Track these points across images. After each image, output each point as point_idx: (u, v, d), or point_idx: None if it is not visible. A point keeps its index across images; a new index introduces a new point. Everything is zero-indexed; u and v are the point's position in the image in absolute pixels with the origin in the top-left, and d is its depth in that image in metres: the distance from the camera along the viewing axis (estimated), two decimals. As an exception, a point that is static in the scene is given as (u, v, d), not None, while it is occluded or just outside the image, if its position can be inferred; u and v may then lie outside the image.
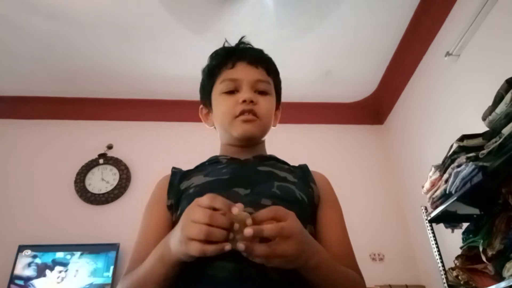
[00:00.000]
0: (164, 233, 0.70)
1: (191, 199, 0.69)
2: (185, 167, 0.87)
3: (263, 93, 0.85)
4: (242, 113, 0.80)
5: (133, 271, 0.66)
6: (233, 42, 0.94)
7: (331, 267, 0.63)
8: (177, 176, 0.82)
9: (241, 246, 0.51)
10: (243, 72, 0.84)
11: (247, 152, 0.85)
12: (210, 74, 0.89)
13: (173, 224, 0.74)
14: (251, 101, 0.80)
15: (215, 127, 0.92)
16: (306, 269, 0.58)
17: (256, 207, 0.58)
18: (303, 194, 0.75)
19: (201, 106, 0.95)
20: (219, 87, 0.85)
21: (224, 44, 0.93)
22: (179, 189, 0.77)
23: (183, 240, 0.53)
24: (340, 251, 0.72)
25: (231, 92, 0.83)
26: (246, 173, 0.78)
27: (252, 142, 0.85)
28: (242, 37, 0.94)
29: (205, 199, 0.54)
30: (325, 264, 0.61)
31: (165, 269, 0.59)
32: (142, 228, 0.78)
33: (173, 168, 0.87)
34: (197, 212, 0.52)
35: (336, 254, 0.69)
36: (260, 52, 0.90)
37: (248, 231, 0.50)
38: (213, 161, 0.86)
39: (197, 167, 0.86)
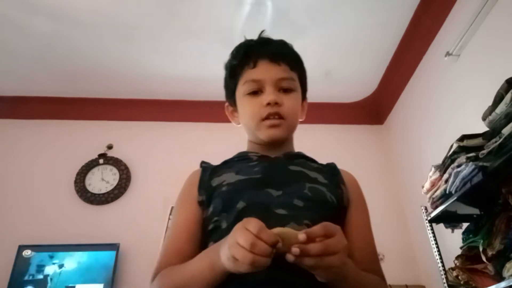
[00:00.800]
0: (196, 228, 0.75)
1: (224, 197, 0.74)
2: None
3: (287, 90, 0.83)
4: (267, 116, 0.80)
5: (174, 270, 0.68)
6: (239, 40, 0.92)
7: (358, 275, 0.65)
8: (207, 172, 0.81)
9: (290, 257, 0.54)
10: (265, 72, 0.82)
11: (276, 149, 0.84)
12: (232, 73, 0.87)
13: (204, 220, 0.76)
14: (276, 103, 0.79)
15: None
16: (341, 279, 0.60)
17: (288, 208, 0.65)
18: (333, 195, 0.76)
19: (226, 104, 0.94)
20: (242, 88, 0.84)
21: (244, 41, 0.90)
22: (210, 186, 0.78)
23: (230, 258, 0.55)
24: (366, 255, 0.74)
25: (255, 92, 0.82)
26: (277, 173, 0.78)
27: (280, 143, 0.85)
28: (261, 32, 0.90)
29: (253, 226, 0.54)
30: (353, 272, 0.63)
31: (213, 276, 0.61)
32: (173, 224, 0.79)
33: (203, 162, 0.87)
34: (242, 236, 0.54)
35: (361, 258, 0.71)
36: (281, 47, 0.87)
37: (295, 250, 0.53)
38: (243, 158, 0.85)
39: (226, 163, 0.86)
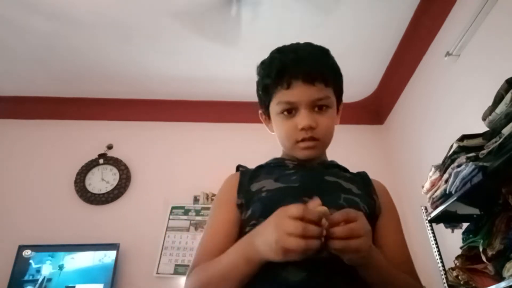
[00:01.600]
0: (233, 229, 0.77)
1: (264, 202, 0.76)
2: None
3: (322, 107, 0.82)
4: (302, 140, 0.81)
5: (208, 265, 0.70)
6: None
7: (388, 265, 0.68)
8: (247, 177, 0.84)
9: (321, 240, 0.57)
10: (300, 94, 0.80)
11: (311, 160, 0.85)
12: (265, 91, 0.86)
13: (241, 222, 0.78)
14: (311, 127, 0.80)
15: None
16: (370, 266, 0.64)
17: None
18: (366, 206, 0.79)
19: (260, 111, 0.93)
20: (276, 108, 0.83)
21: (277, 55, 0.86)
22: (250, 190, 0.80)
23: (279, 250, 0.56)
24: (399, 258, 0.77)
25: (289, 111, 0.82)
26: (314, 182, 0.80)
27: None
28: (296, 44, 0.88)
29: (297, 211, 0.57)
30: (381, 260, 0.67)
31: (250, 268, 0.63)
32: (211, 224, 0.81)
33: (240, 166, 0.89)
34: (290, 224, 0.56)
35: (395, 261, 0.74)
36: (316, 63, 0.82)
37: (324, 222, 0.58)
38: (279, 164, 0.87)
39: (262, 167, 0.88)
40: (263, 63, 0.88)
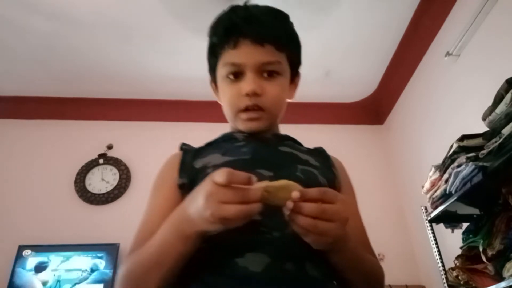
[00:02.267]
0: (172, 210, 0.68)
1: None
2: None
3: (271, 74, 0.73)
4: (246, 108, 0.72)
5: (140, 250, 0.62)
6: None
7: (360, 252, 0.63)
8: (190, 154, 0.75)
9: (285, 211, 0.51)
10: (247, 55, 0.72)
11: (261, 133, 0.77)
12: (212, 51, 0.79)
13: None
14: (256, 93, 0.71)
15: None
16: (342, 252, 0.58)
17: None
18: (325, 179, 0.72)
19: (210, 79, 0.87)
20: (222, 70, 0.76)
21: (226, 12, 0.78)
22: (193, 168, 0.71)
23: (217, 221, 0.50)
24: (358, 238, 0.70)
25: (235, 75, 0.73)
26: (268, 153, 0.72)
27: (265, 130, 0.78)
28: (251, 4, 0.77)
29: (223, 176, 0.50)
30: (351, 247, 0.61)
31: (187, 246, 0.56)
32: (149, 208, 0.72)
33: (183, 144, 0.80)
34: (223, 193, 0.49)
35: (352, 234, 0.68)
36: (267, 24, 0.74)
37: (289, 203, 0.50)
38: (228, 138, 0.79)
39: (209, 145, 0.79)
40: (212, 24, 0.80)
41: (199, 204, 0.52)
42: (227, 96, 0.75)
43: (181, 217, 0.56)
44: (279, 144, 0.76)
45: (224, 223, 0.50)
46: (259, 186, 0.51)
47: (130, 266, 0.61)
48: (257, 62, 0.72)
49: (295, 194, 0.50)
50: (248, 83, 0.71)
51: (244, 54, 0.72)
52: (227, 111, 0.77)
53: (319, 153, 0.82)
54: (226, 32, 0.74)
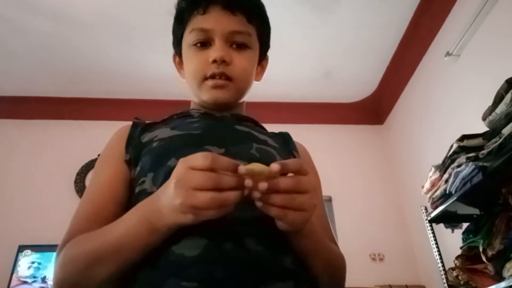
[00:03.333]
0: (120, 188, 0.62)
1: (155, 154, 0.62)
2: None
3: (241, 46, 0.70)
4: (212, 76, 0.68)
5: (89, 237, 0.54)
6: None
7: (321, 236, 0.59)
8: (138, 128, 0.70)
9: (256, 195, 0.45)
10: (216, 21, 0.69)
11: (222, 112, 0.73)
12: (179, 18, 0.74)
13: (131, 181, 0.63)
14: (224, 61, 0.67)
15: None
16: (303, 234, 0.53)
17: None
18: (283, 159, 0.68)
19: (173, 53, 0.82)
20: (188, 37, 0.71)
21: None
22: (140, 142, 0.66)
23: (188, 210, 0.45)
24: (320, 224, 0.66)
25: (203, 44, 0.70)
26: (221, 130, 0.67)
27: (226, 107, 0.73)
28: None
29: (202, 160, 0.45)
30: (316, 231, 0.57)
31: (153, 236, 0.50)
32: (94, 183, 0.65)
33: (135, 118, 0.75)
34: (197, 177, 0.44)
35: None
36: None
37: (262, 185, 0.45)
38: (183, 115, 0.75)
39: (163, 120, 0.74)
40: None
41: (169, 192, 0.46)
42: (192, 64, 0.71)
43: (151, 207, 0.50)
44: (237, 123, 0.71)
45: (196, 213, 0.45)
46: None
47: (75, 251, 0.54)
48: (226, 29, 0.69)
49: (275, 166, 0.45)
50: (216, 50, 0.68)
51: (214, 20, 0.69)
52: (191, 81, 0.73)
53: (282, 136, 0.78)
54: None
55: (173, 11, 0.77)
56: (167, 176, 0.52)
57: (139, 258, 0.51)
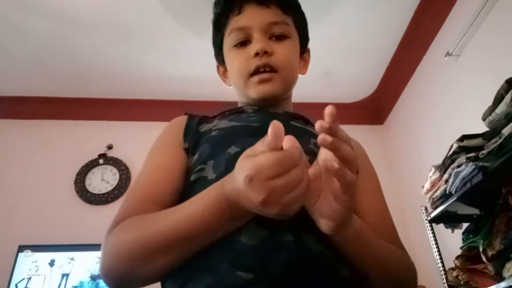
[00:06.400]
0: (179, 173, 0.60)
1: (214, 141, 0.61)
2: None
3: (280, 37, 0.70)
4: (257, 70, 0.67)
5: (145, 219, 0.51)
6: None
7: (372, 237, 0.54)
8: (195, 120, 0.69)
9: (327, 138, 0.43)
10: (252, 17, 0.69)
11: (273, 107, 0.72)
12: (217, 24, 0.76)
13: (187, 168, 0.62)
14: (265, 52, 0.66)
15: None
16: (346, 236, 0.49)
17: None
18: None
19: (217, 64, 0.82)
20: (228, 40, 0.72)
21: None
22: (198, 131, 0.66)
23: (273, 205, 0.41)
24: (379, 222, 0.63)
25: (243, 43, 0.70)
26: None
27: (274, 101, 0.71)
28: None
29: (261, 144, 0.42)
30: (365, 232, 0.52)
31: (234, 222, 0.47)
32: (150, 166, 0.64)
33: (189, 112, 0.74)
34: (267, 163, 0.40)
35: (374, 226, 0.58)
36: None
37: (328, 137, 0.42)
38: (236, 111, 0.72)
39: (217, 115, 0.73)
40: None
41: (245, 190, 0.42)
42: (235, 63, 0.70)
43: (226, 201, 0.46)
44: (290, 119, 0.69)
45: (282, 209, 0.41)
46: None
47: (131, 236, 0.50)
48: (263, 22, 0.69)
49: (330, 108, 0.42)
50: (256, 42, 0.67)
51: (250, 16, 0.69)
52: (237, 80, 0.71)
53: None
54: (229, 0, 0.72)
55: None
56: (228, 163, 0.52)
57: (208, 244, 0.48)
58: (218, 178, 0.52)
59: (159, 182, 0.59)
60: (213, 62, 0.84)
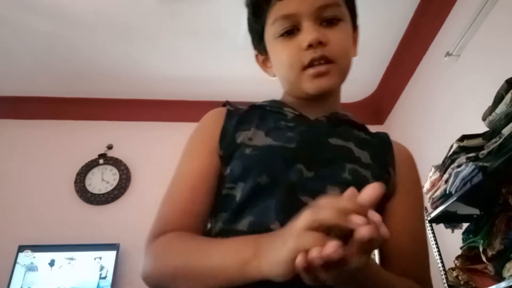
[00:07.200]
0: (214, 182, 0.60)
1: (246, 163, 0.58)
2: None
3: (332, 21, 0.62)
4: (311, 63, 0.60)
5: (189, 245, 0.52)
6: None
7: (389, 279, 0.49)
8: (233, 121, 0.64)
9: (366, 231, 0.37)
10: (299, 1, 0.60)
11: (318, 107, 0.66)
12: (256, 11, 0.67)
13: (220, 175, 0.61)
14: (320, 42, 0.59)
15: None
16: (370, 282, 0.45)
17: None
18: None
19: (256, 53, 0.74)
20: (271, 30, 0.64)
21: None
22: (234, 141, 0.61)
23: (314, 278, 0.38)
24: (413, 258, 0.57)
25: (289, 32, 0.62)
26: (314, 144, 0.61)
27: (328, 95, 0.66)
28: None
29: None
30: (382, 277, 0.48)
31: (243, 280, 0.46)
32: (188, 169, 0.62)
33: (227, 103, 0.68)
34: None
35: (408, 262, 0.55)
36: None
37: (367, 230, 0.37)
38: (276, 110, 0.67)
39: (256, 108, 0.68)
40: None
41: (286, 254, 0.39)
42: (285, 56, 0.63)
43: (254, 257, 0.44)
44: (331, 132, 0.64)
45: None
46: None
47: (169, 257, 0.52)
48: (313, 6, 0.60)
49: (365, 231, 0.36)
50: (308, 32, 0.60)
51: (296, 1, 0.61)
52: (287, 73, 0.64)
53: (381, 142, 0.67)
54: None
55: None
56: (253, 191, 0.54)
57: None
58: (242, 200, 0.55)
59: (197, 191, 0.59)
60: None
